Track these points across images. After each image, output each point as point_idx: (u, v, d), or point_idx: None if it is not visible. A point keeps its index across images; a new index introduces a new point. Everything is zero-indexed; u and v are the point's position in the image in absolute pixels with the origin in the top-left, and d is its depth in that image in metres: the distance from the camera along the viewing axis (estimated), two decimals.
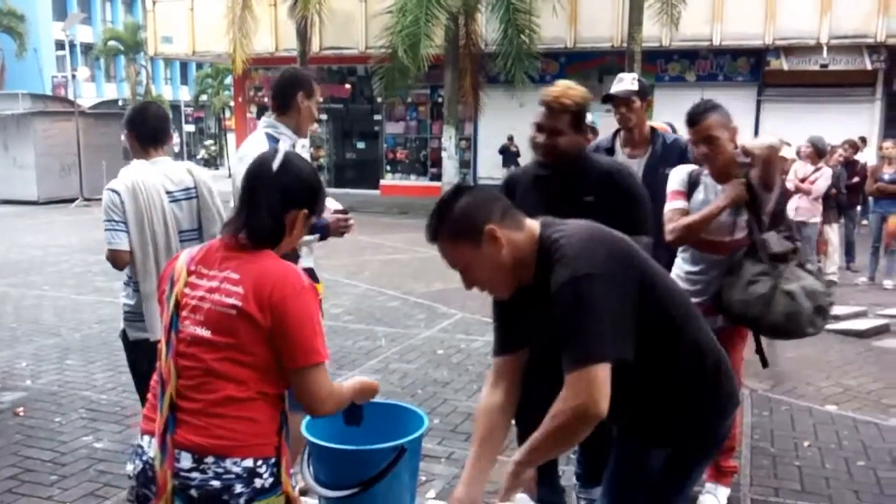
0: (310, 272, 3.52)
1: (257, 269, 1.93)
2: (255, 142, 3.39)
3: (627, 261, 1.95)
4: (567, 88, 3.11)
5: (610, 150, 4.07)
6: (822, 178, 8.67)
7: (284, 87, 3.47)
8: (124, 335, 3.50)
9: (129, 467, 2.07)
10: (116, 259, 3.32)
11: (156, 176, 3.35)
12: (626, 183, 3.16)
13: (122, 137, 3.27)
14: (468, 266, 2.01)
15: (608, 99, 4.00)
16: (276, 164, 2.00)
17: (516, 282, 2.05)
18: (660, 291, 2.02)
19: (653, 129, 4.01)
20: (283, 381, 2.00)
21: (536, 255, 2.00)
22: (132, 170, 3.37)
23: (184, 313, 1.97)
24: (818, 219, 8.80)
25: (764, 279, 3.24)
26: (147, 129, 3.42)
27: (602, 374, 1.82)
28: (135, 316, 3.39)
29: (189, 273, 2.00)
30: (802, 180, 8.73)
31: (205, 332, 1.93)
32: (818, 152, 8.78)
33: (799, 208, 8.62)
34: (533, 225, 2.05)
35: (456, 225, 1.98)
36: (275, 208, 1.99)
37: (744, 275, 3.28)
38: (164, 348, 1.99)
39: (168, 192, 3.35)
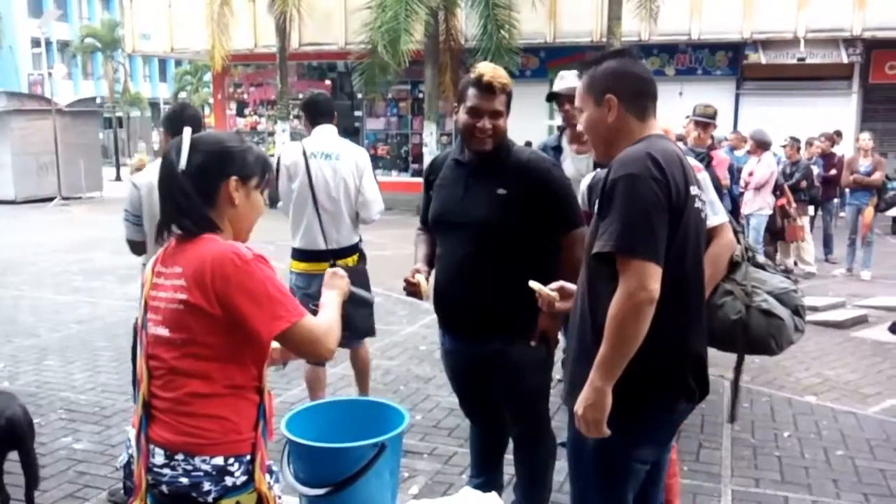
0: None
1: (195, 258, 1.89)
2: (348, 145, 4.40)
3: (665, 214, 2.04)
4: (496, 68, 2.97)
5: (557, 149, 3.94)
6: (760, 168, 8.74)
7: (332, 107, 4.50)
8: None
9: (120, 458, 2.09)
10: (133, 247, 3.78)
11: None
12: (546, 178, 2.95)
13: (156, 136, 3.65)
14: (581, 110, 2.27)
15: (552, 97, 3.87)
16: (181, 159, 1.93)
17: (607, 153, 2.22)
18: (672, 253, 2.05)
19: None
20: (253, 366, 1.96)
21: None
22: (155, 167, 3.55)
23: (149, 315, 1.97)
24: (768, 210, 8.87)
25: (729, 300, 3.01)
26: (180, 129, 3.52)
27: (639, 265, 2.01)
28: None
29: (154, 274, 2.00)
30: (750, 174, 8.83)
31: (164, 331, 1.92)
32: (759, 145, 8.87)
33: (746, 201, 8.73)
34: (650, 128, 2.20)
35: (593, 78, 2.22)
36: (190, 201, 1.93)
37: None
38: (138, 349, 1.99)
39: None
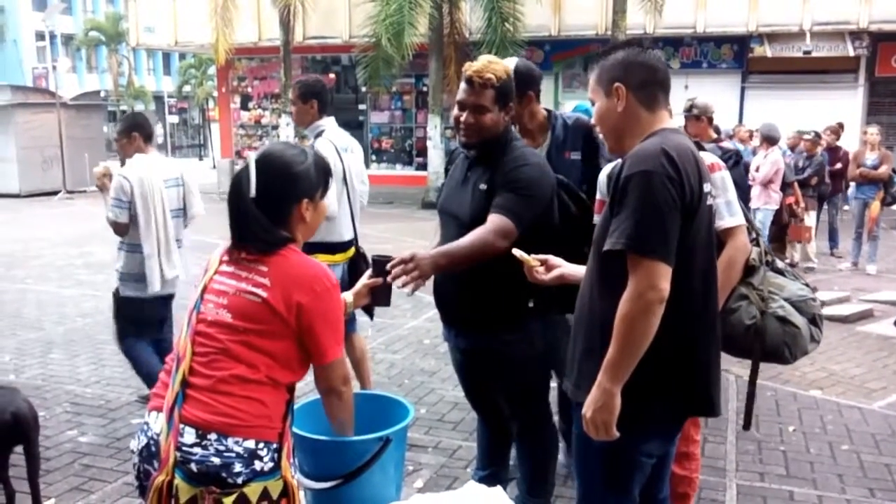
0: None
1: (286, 268, 2.00)
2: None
3: (675, 211, 2.01)
4: (489, 62, 2.92)
5: None
6: (765, 164, 8.69)
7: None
8: (116, 292, 4.65)
9: (133, 443, 2.11)
10: (119, 228, 4.45)
11: (156, 168, 4.50)
12: (512, 173, 2.85)
13: (118, 139, 4.67)
14: (595, 100, 2.27)
15: None
16: (251, 187, 2.00)
17: (618, 144, 2.23)
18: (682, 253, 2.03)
19: (550, 113, 3.59)
20: (299, 373, 2.07)
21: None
22: (138, 163, 4.46)
23: (208, 296, 2.04)
24: (774, 205, 8.81)
25: (744, 304, 2.92)
26: (148, 130, 4.61)
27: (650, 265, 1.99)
28: (126, 277, 4.54)
29: (221, 262, 2.08)
30: (756, 169, 8.77)
31: (226, 315, 1.99)
32: (766, 139, 8.79)
33: (752, 196, 8.68)
34: (660, 119, 2.17)
35: (602, 69, 2.24)
36: (263, 227, 2.02)
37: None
38: (185, 328, 2.05)
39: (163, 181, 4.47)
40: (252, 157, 2.06)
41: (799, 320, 2.92)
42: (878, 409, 4.99)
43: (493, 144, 2.94)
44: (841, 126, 12.95)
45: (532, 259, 2.51)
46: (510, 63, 3.35)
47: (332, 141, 4.31)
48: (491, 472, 3.33)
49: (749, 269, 2.97)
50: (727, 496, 3.80)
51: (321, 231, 4.25)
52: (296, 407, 2.59)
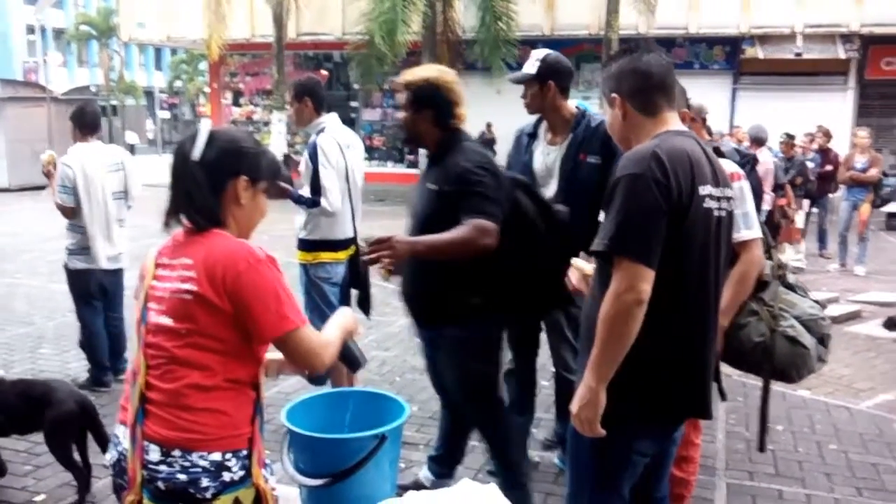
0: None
1: (207, 251, 1.91)
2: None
3: (663, 213, 2.02)
4: (415, 70, 3.17)
5: (533, 136, 3.71)
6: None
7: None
8: (66, 266, 5.22)
9: (107, 456, 2.07)
10: (66, 211, 5.03)
11: (96, 155, 5.08)
12: (455, 173, 2.94)
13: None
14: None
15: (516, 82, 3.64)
16: (195, 150, 1.95)
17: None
18: (674, 253, 2.04)
19: (582, 112, 3.56)
20: (255, 361, 1.98)
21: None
22: (79, 151, 5.05)
23: (150, 305, 1.96)
24: (765, 207, 8.84)
25: (753, 321, 2.89)
26: (86, 122, 5.13)
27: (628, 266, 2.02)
28: (74, 251, 5.13)
29: (157, 266, 2.00)
30: None
31: (167, 321, 1.92)
32: (754, 140, 8.84)
33: None
34: (663, 122, 2.19)
35: (604, 81, 2.29)
36: (201, 192, 1.95)
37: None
38: (137, 342, 1.98)
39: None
40: (205, 123, 2.05)
41: (808, 341, 2.90)
42: (865, 409, 5.04)
43: (433, 146, 3.11)
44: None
45: (586, 268, 2.57)
46: (540, 54, 3.51)
47: (335, 137, 4.30)
48: (441, 453, 3.59)
49: (761, 284, 2.94)
50: (717, 495, 3.82)
51: (325, 228, 4.29)
52: (291, 404, 2.60)
